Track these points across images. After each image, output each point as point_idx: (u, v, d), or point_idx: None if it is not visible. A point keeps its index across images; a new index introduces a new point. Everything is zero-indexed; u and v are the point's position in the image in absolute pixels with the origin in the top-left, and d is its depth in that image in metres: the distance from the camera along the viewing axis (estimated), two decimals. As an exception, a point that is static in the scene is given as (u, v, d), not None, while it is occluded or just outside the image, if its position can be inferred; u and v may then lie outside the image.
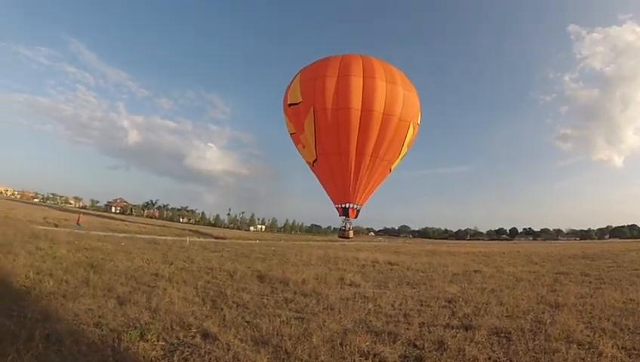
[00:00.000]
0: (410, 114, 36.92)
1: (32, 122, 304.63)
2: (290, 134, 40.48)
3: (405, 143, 38.09)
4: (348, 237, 42.19)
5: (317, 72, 36.76)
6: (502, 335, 8.62)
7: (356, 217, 40.35)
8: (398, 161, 39.88)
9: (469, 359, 6.97)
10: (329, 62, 37.24)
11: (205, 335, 7.47)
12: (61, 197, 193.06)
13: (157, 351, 6.34)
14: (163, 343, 6.80)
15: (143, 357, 5.94)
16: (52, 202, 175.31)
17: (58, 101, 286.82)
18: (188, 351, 6.52)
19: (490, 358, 7.05)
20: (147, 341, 6.71)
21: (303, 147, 39.06)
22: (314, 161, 38.88)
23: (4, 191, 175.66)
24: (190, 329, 7.74)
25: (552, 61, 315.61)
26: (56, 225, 36.56)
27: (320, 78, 35.75)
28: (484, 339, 8.22)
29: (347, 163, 36.24)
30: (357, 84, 34.49)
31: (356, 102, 34.37)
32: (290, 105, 38.43)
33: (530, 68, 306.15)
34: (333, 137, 35.67)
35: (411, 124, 37.36)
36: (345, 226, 41.62)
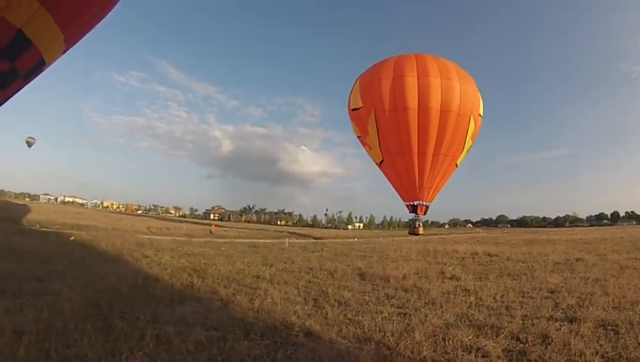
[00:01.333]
0: (469, 107, 36.89)
1: (129, 141, 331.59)
2: (357, 137, 41.68)
3: (468, 137, 37.80)
4: (418, 234, 41.64)
5: (373, 76, 37.99)
6: (609, 328, 8.17)
7: (425, 213, 40.40)
8: (463, 155, 39.49)
9: (575, 353, 6.63)
10: (384, 64, 38.60)
11: (308, 333, 7.67)
12: (162, 207, 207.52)
13: (261, 350, 6.61)
14: (267, 342, 7.08)
15: (248, 355, 6.22)
16: (154, 213, 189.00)
17: (152, 119, 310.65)
18: (291, 349, 6.74)
19: (597, 353, 6.65)
20: (251, 340, 7.03)
21: (370, 148, 40.10)
22: (381, 162, 39.95)
23: (110, 206, 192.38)
24: (293, 328, 7.97)
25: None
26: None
27: (376, 81, 37.15)
28: (590, 332, 7.84)
29: (411, 161, 37.04)
30: (412, 83, 35.56)
31: (413, 102, 35.34)
32: (353, 109, 40.00)
33: (619, 38, 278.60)
34: (395, 138, 36.71)
35: (472, 118, 37.47)
36: (415, 223, 42.68)
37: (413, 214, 42.35)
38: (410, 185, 39.08)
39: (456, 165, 39.97)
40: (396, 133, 36.72)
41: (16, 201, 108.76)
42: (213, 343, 6.75)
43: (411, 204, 40.28)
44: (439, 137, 36.10)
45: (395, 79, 36.64)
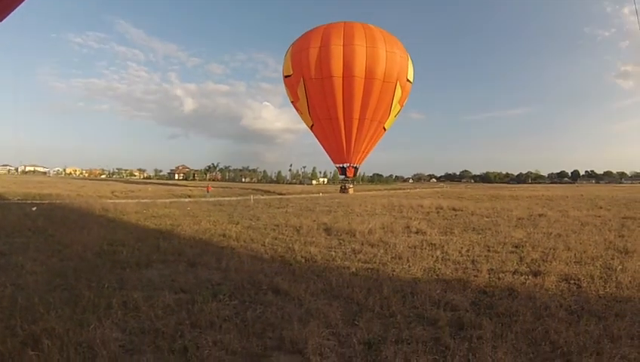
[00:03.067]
0: (395, 74, 39.56)
1: (89, 104, 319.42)
2: (291, 102, 44.53)
3: (395, 102, 41.06)
4: (347, 193, 47.15)
5: (302, 45, 40.75)
6: (572, 282, 8.49)
7: (354, 175, 47.26)
8: (391, 119, 43.13)
9: (540, 306, 6.82)
10: (313, 33, 40.90)
11: (276, 291, 7.66)
12: (126, 170, 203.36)
13: (230, 310, 6.54)
14: (235, 302, 7.03)
15: (217, 316, 6.14)
16: (118, 176, 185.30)
17: (112, 80, 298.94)
18: (260, 308, 6.70)
19: (561, 306, 6.88)
20: (220, 301, 6.95)
21: (302, 114, 43.54)
22: (311, 126, 43.50)
23: (73, 172, 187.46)
24: (261, 286, 7.95)
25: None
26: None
27: (304, 50, 39.74)
28: (553, 286, 8.12)
29: (338, 127, 40.57)
30: (337, 52, 37.92)
31: (337, 70, 37.92)
32: (286, 76, 43.14)
33: (585, 2, 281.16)
34: (322, 104, 39.90)
35: (398, 84, 40.15)
36: (345, 184, 49.27)
37: (343, 176, 47.33)
38: (338, 149, 43.15)
39: (385, 129, 43.83)
40: (323, 100, 39.76)
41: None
42: (182, 306, 6.65)
43: (340, 166, 45.63)
44: (364, 104, 39.28)
45: (322, 47, 38.89)
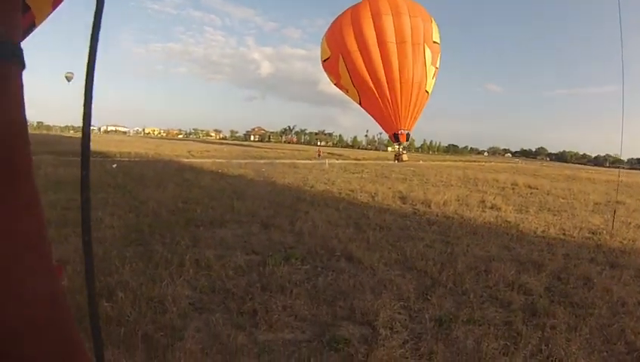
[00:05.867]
0: (421, 36, 42.09)
1: (167, 67, 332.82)
2: (335, 84, 47.47)
3: (428, 64, 42.93)
4: (402, 160, 48.36)
5: (335, 28, 44.34)
6: None
7: (407, 140, 47.53)
8: (429, 81, 44.68)
9: (617, 301, 6.28)
10: (342, 15, 44.32)
11: (349, 258, 7.54)
12: (202, 131, 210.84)
13: (301, 275, 6.51)
14: (307, 267, 6.99)
15: (288, 281, 6.10)
16: (195, 136, 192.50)
17: (188, 44, 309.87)
18: (332, 275, 6.60)
19: (639, 303, 6.27)
20: (291, 265, 6.93)
21: (347, 91, 46.01)
22: (359, 101, 45.77)
23: (152, 132, 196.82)
24: (334, 252, 7.85)
25: None
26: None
27: (338, 31, 43.32)
28: (631, 281, 7.41)
29: (383, 93, 42.72)
30: (368, 24, 41.25)
31: (372, 39, 41.02)
32: (324, 60, 46.49)
33: None
34: (364, 74, 42.14)
35: (425, 45, 42.41)
36: (399, 151, 49.56)
37: (398, 143, 47.77)
38: (387, 116, 44.67)
39: (427, 92, 45.41)
40: (364, 71, 42.00)
41: (62, 134, 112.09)
42: (253, 268, 6.69)
43: (393, 134, 46.67)
44: (401, 66, 41.51)
45: (354, 24, 41.90)
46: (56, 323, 0.59)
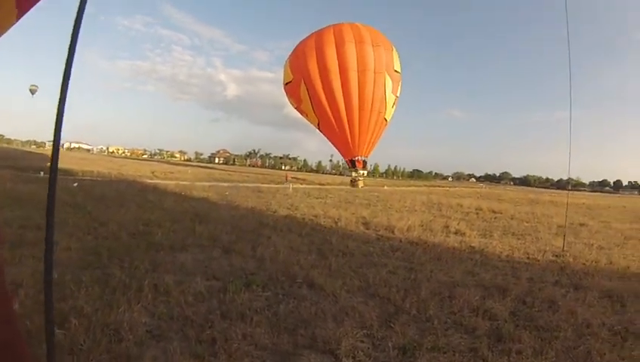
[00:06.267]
0: (383, 65, 44.39)
1: (134, 84, 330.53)
2: (295, 108, 49.61)
3: (388, 92, 45.38)
4: (357, 186, 49.64)
5: (299, 51, 46.28)
6: (614, 298, 7.97)
7: (363, 167, 51.03)
8: (388, 110, 47.09)
9: (582, 323, 6.41)
10: (307, 40, 46.50)
11: (311, 285, 7.48)
12: (167, 151, 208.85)
13: (262, 302, 6.43)
14: (268, 293, 6.90)
15: (249, 308, 6.02)
16: (159, 157, 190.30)
17: (156, 63, 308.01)
18: (294, 302, 6.55)
19: (604, 324, 6.42)
20: (252, 291, 6.85)
21: (307, 115, 47.98)
22: (318, 124, 47.83)
23: (116, 151, 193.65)
24: (296, 279, 7.79)
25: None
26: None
27: (302, 55, 45.14)
28: (596, 302, 7.61)
29: (341, 120, 44.85)
30: (330, 51, 43.05)
31: (333, 66, 42.85)
32: (286, 84, 48.41)
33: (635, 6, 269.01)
34: (324, 100, 44.08)
35: (386, 74, 44.75)
36: (355, 178, 51.64)
37: (353, 169, 50.83)
38: (345, 142, 47.06)
39: (386, 120, 47.90)
40: (324, 97, 44.03)
41: (23, 149, 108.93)
42: (213, 294, 6.57)
43: (350, 160, 49.58)
44: (361, 94, 43.50)
45: (317, 50, 43.80)
46: (8, 346, 0.58)
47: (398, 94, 48.24)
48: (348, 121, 44.85)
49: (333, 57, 43.03)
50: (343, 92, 43.37)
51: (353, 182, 51.59)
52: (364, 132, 45.93)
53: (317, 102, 44.83)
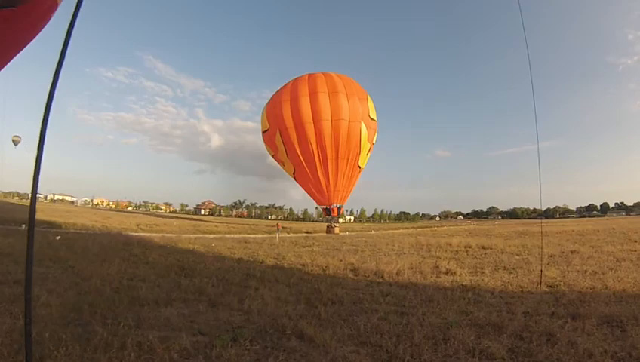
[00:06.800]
0: (358, 113, 45.82)
1: (118, 137, 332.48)
2: (272, 156, 50.97)
3: (363, 140, 46.62)
4: (333, 233, 50.14)
5: (275, 100, 47.69)
6: (614, 324, 7.92)
7: (338, 214, 51.91)
8: (363, 157, 48.27)
9: (584, 353, 6.28)
10: (284, 88, 48.00)
11: (300, 336, 7.26)
12: (152, 204, 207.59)
13: (250, 356, 6.21)
14: (256, 347, 6.67)
15: (236, 363, 5.82)
16: (144, 209, 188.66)
17: (140, 114, 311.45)
18: (283, 355, 6.32)
19: (606, 352, 6.31)
20: (240, 345, 6.61)
21: (283, 164, 49.31)
22: (293, 173, 48.98)
23: (100, 203, 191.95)
24: (284, 331, 7.57)
25: (631, 18, 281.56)
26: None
27: (277, 104, 46.52)
28: (595, 330, 7.50)
29: (316, 169, 45.98)
30: (304, 101, 44.43)
31: (307, 117, 44.15)
32: (264, 132, 49.84)
33: (606, 30, 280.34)
34: (299, 150, 45.41)
35: (362, 123, 46.12)
36: (331, 224, 52.34)
37: (328, 216, 51.61)
38: (319, 190, 48.01)
39: (360, 167, 48.96)
40: (299, 146, 45.31)
41: (4, 200, 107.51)
42: (200, 350, 6.34)
43: (324, 208, 50.65)
44: (335, 144, 44.85)
45: (292, 100, 45.29)
46: None
47: (374, 141, 49.78)
48: (322, 169, 46.01)
49: (307, 108, 44.52)
50: (316, 141, 44.73)
51: (329, 229, 52.17)
52: (339, 180, 47.04)
53: (292, 152, 46.21)
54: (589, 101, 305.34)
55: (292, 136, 45.33)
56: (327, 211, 50.61)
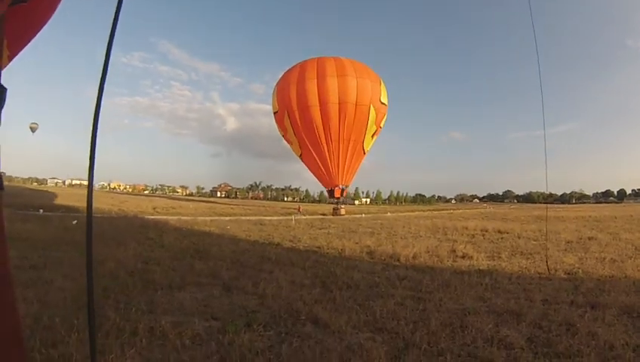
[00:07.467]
0: (367, 98, 46.18)
1: (134, 121, 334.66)
2: (282, 136, 51.74)
3: (370, 123, 47.38)
4: (339, 215, 50.82)
5: (284, 82, 48.66)
6: (634, 315, 7.62)
7: (342, 195, 52.30)
8: (368, 140, 49.20)
9: (604, 344, 6.02)
10: (292, 71, 48.95)
11: (315, 322, 7.10)
12: (169, 187, 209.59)
13: (264, 342, 6.05)
14: (270, 333, 6.53)
15: (249, 350, 5.65)
16: (161, 192, 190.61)
17: (155, 99, 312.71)
18: (297, 341, 6.17)
19: (627, 344, 6.03)
20: (253, 331, 6.47)
21: (291, 144, 50.29)
22: (300, 155, 50.06)
23: (117, 187, 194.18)
24: (299, 316, 7.42)
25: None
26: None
27: (286, 86, 47.39)
28: (615, 320, 7.19)
29: (322, 151, 46.86)
30: (312, 85, 45.10)
31: (314, 100, 44.86)
32: (274, 113, 50.66)
33: (627, 13, 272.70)
34: (306, 132, 46.38)
35: (371, 106, 46.55)
36: (337, 205, 53.33)
37: (333, 197, 52.47)
38: (325, 172, 48.95)
39: (364, 151, 50.02)
40: (306, 128, 46.23)
41: (24, 186, 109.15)
42: (212, 336, 6.20)
43: (329, 189, 51.65)
44: (341, 126, 45.55)
45: (299, 83, 45.96)
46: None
47: (382, 125, 50.21)
48: (328, 150, 46.77)
49: (314, 91, 45.04)
50: (322, 124, 45.41)
51: (336, 211, 52.83)
52: (344, 161, 47.76)
53: (298, 133, 47.14)
54: (607, 84, 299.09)
55: (298, 119, 46.14)
56: (330, 193, 51.73)
